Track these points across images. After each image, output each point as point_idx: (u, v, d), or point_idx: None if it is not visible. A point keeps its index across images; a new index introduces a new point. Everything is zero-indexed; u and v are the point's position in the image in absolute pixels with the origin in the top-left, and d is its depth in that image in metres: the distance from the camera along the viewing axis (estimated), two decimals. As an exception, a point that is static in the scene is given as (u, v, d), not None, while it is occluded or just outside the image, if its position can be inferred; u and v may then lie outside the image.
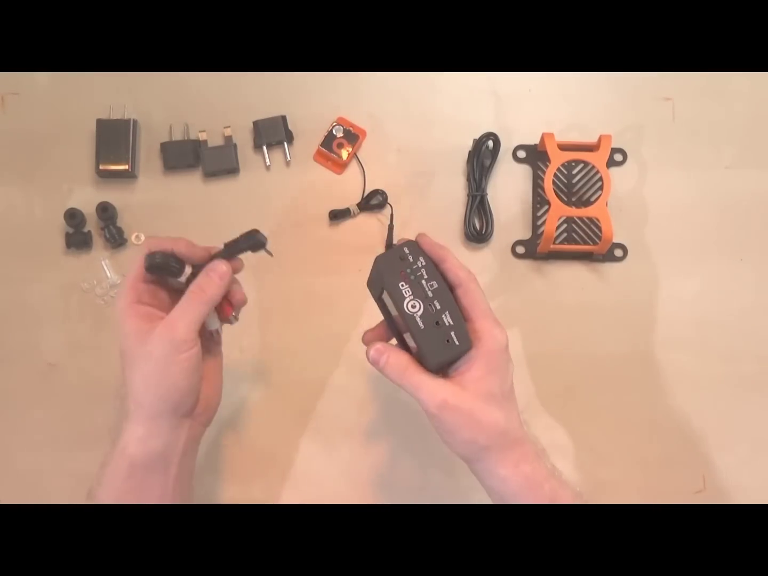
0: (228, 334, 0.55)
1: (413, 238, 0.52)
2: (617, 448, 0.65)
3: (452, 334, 0.48)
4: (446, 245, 0.67)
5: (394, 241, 0.67)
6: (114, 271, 0.67)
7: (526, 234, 0.69)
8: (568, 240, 0.68)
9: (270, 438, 0.64)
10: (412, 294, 0.49)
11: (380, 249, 0.68)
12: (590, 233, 0.68)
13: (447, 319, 0.49)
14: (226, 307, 0.53)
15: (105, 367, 0.66)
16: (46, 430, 0.65)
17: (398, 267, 0.50)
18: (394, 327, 0.53)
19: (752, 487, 0.64)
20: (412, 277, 0.50)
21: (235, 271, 0.53)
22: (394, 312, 0.51)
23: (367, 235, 0.68)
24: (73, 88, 0.70)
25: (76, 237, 0.67)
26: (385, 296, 0.51)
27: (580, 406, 0.65)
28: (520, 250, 0.68)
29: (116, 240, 0.67)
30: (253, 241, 0.52)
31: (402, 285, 0.49)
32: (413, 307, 0.49)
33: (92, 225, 0.68)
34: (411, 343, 0.51)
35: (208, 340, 0.54)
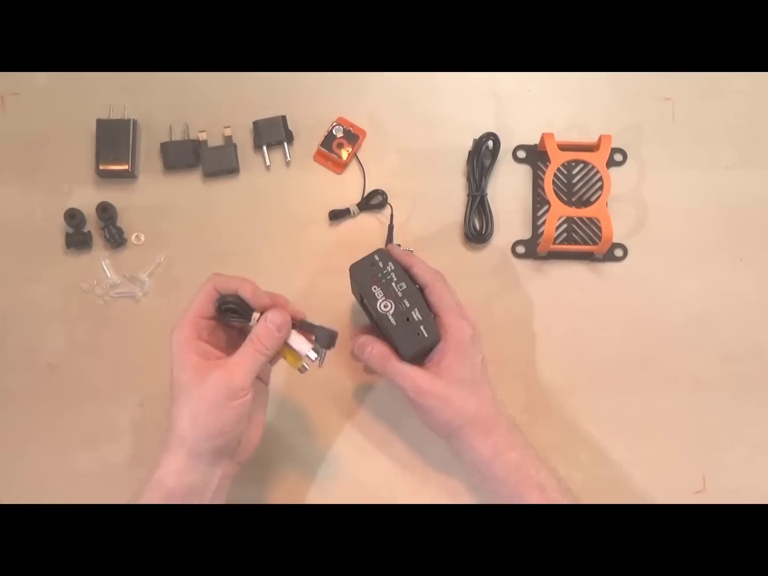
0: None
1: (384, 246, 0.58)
2: (617, 448, 0.65)
3: (421, 327, 0.55)
4: (445, 245, 0.68)
5: (394, 242, 0.68)
6: (114, 271, 0.67)
7: (526, 234, 0.69)
8: (568, 240, 0.68)
9: (270, 438, 0.64)
10: (384, 295, 0.56)
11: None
12: (590, 233, 0.68)
13: (416, 315, 0.55)
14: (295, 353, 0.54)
15: (105, 367, 0.66)
16: (46, 430, 0.65)
17: (370, 273, 0.57)
18: (376, 326, 0.58)
19: (752, 487, 0.64)
20: (383, 281, 0.56)
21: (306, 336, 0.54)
22: (372, 312, 0.57)
23: (367, 235, 0.68)
24: (73, 88, 0.70)
25: (76, 237, 0.67)
26: (364, 298, 0.57)
27: (580, 406, 0.65)
28: (520, 250, 0.68)
29: (116, 240, 0.67)
30: (326, 339, 0.53)
31: (374, 288, 0.56)
32: (385, 306, 0.56)
33: (92, 225, 0.68)
34: (388, 339, 0.57)
35: (257, 382, 0.54)
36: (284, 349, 0.54)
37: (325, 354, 0.54)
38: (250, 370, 0.50)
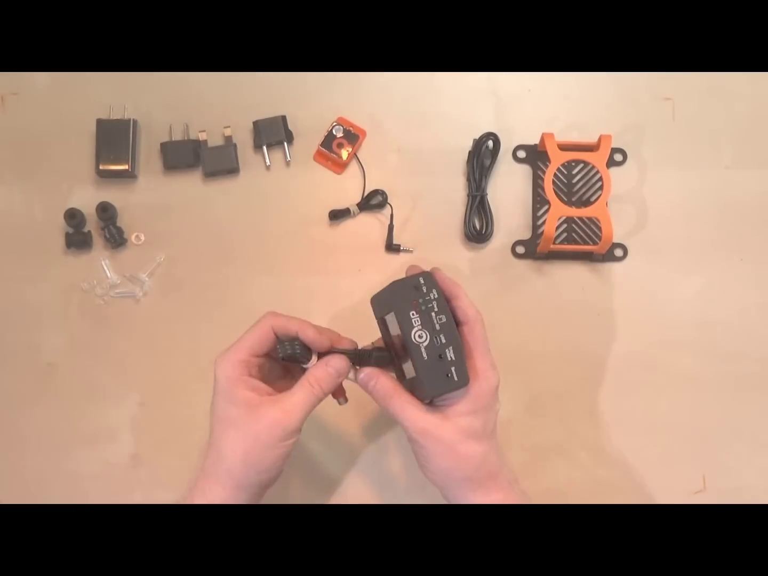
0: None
1: (428, 269, 0.53)
2: (617, 448, 0.65)
3: (453, 369, 0.50)
4: (445, 245, 0.68)
5: (394, 242, 0.68)
6: (114, 271, 0.67)
7: (526, 234, 0.69)
8: (568, 240, 0.68)
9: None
10: (421, 324, 0.50)
11: (380, 249, 0.68)
12: (590, 233, 0.68)
13: (450, 354, 0.50)
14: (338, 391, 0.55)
15: (105, 367, 0.66)
16: (46, 430, 0.65)
17: (412, 296, 0.51)
18: (393, 349, 0.54)
19: (752, 487, 0.64)
20: (423, 308, 0.51)
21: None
22: (395, 333, 0.53)
23: (367, 235, 0.68)
24: (73, 88, 0.70)
25: (76, 237, 0.67)
26: (390, 318, 0.52)
27: (580, 406, 0.65)
28: (520, 250, 0.68)
29: (116, 240, 0.67)
30: (383, 361, 0.53)
31: (413, 314, 0.51)
32: (420, 337, 0.50)
33: (92, 225, 0.68)
34: (410, 369, 0.52)
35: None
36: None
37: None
38: (305, 412, 0.50)
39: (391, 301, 0.52)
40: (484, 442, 0.51)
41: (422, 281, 0.52)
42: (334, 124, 0.69)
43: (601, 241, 0.65)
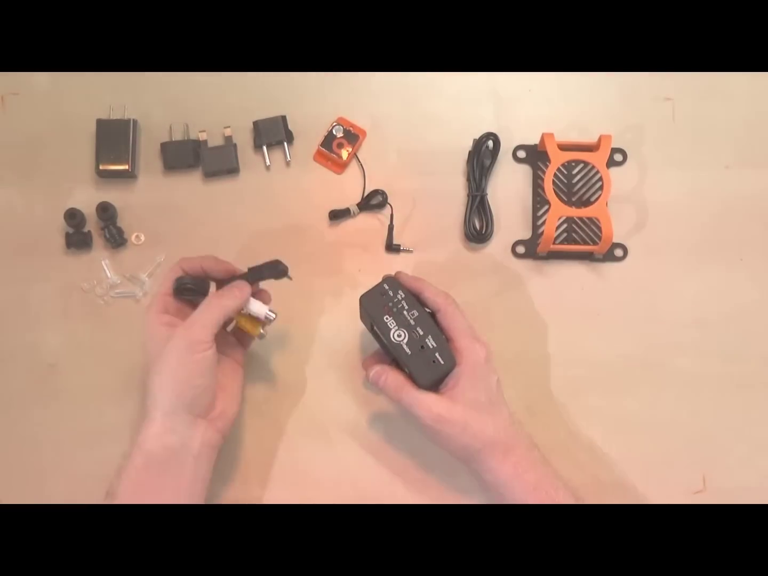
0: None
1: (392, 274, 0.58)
2: (617, 448, 0.65)
3: (436, 355, 0.55)
4: (445, 245, 0.68)
5: (394, 242, 0.68)
6: (114, 271, 0.67)
7: (526, 234, 0.69)
8: (568, 240, 0.68)
9: (270, 438, 0.64)
10: (397, 325, 0.55)
11: (380, 249, 0.68)
12: (590, 233, 0.68)
13: (430, 342, 0.55)
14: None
15: (105, 367, 0.66)
16: (46, 430, 0.65)
17: (381, 302, 0.56)
18: (389, 353, 0.58)
19: (752, 487, 0.64)
20: (395, 310, 0.56)
21: (264, 301, 0.58)
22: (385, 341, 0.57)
23: (367, 235, 0.68)
24: (73, 88, 0.70)
25: (76, 237, 0.67)
26: (375, 329, 0.57)
27: (580, 406, 0.65)
28: (520, 250, 0.68)
29: (116, 240, 0.67)
30: (275, 271, 0.57)
31: (386, 318, 0.56)
32: (399, 336, 0.55)
33: (92, 225, 0.68)
34: (404, 366, 0.56)
35: (228, 350, 0.59)
36: (242, 320, 0.58)
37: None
38: (207, 324, 0.53)
39: (368, 314, 0.56)
40: (491, 411, 0.55)
41: (386, 287, 0.57)
42: (334, 124, 0.69)
43: (601, 241, 0.65)
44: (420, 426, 0.55)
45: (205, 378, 0.53)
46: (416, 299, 0.57)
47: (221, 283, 0.57)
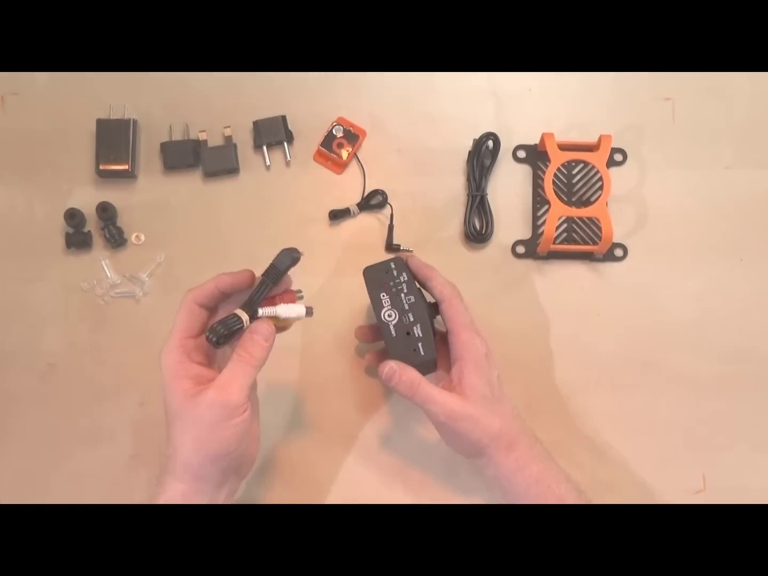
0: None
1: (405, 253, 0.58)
2: (617, 448, 0.65)
3: (419, 345, 0.55)
4: (445, 244, 0.68)
5: (394, 242, 0.68)
6: (114, 271, 0.67)
7: (526, 234, 0.69)
8: (568, 240, 0.68)
9: (270, 438, 0.64)
10: (390, 304, 0.55)
11: (380, 249, 0.68)
12: (590, 233, 0.68)
13: (417, 331, 0.55)
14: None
15: (105, 367, 0.66)
16: (46, 430, 0.65)
17: (383, 279, 0.56)
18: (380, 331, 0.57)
19: (752, 487, 0.64)
20: (393, 290, 0.56)
21: (292, 299, 0.54)
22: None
23: (367, 235, 0.68)
24: (73, 88, 0.70)
25: (76, 237, 0.67)
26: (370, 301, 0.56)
27: (581, 406, 0.65)
28: (520, 250, 0.68)
29: (116, 240, 0.67)
30: (290, 261, 0.53)
31: (383, 295, 0.56)
32: (389, 316, 0.55)
33: (92, 225, 0.68)
34: (386, 345, 0.56)
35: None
36: (280, 325, 0.53)
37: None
38: (243, 384, 0.49)
39: (367, 286, 0.57)
40: (496, 405, 0.55)
41: (393, 265, 0.57)
42: (334, 124, 0.69)
43: (601, 241, 0.65)
44: (434, 423, 0.56)
45: (242, 441, 0.50)
46: (420, 287, 0.57)
47: (248, 308, 0.51)
